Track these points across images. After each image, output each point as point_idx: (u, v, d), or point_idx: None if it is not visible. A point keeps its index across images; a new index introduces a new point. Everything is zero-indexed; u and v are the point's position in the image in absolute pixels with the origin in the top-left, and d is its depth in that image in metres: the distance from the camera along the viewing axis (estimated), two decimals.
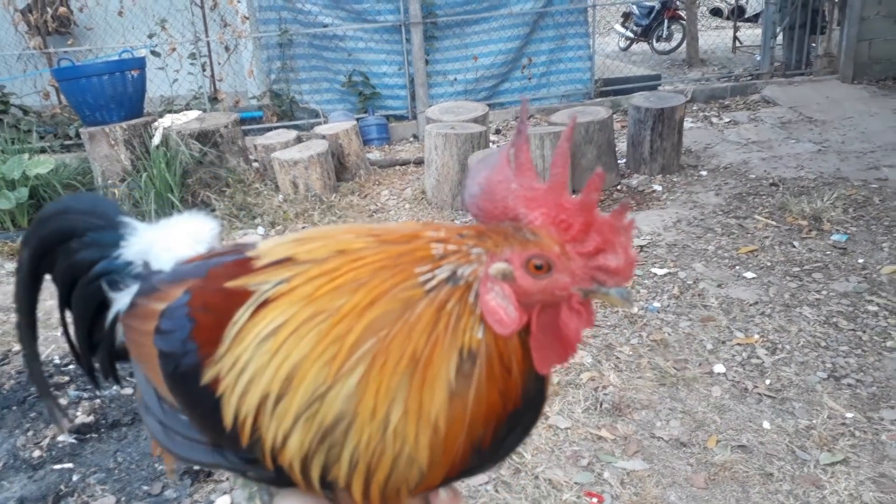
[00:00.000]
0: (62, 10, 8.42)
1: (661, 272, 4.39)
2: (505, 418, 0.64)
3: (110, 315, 0.92)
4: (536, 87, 8.63)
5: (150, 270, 0.88)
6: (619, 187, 5.91)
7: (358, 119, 7.56)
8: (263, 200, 5.91)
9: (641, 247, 4.77)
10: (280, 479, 0.66)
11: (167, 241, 0.91)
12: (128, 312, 0.84)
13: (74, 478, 2.97)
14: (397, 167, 6.94)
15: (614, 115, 6.23)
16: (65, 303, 0.96)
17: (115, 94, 5.95)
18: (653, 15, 13.20)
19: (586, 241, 0.61)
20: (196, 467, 2.84)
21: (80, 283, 0.93)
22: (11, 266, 5.39)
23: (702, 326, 3.79)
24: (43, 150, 6.83)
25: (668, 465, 2.86)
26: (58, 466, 3.03)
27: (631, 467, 2.85)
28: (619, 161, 6.17)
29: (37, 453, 3.12)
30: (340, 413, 0.60)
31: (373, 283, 0.62)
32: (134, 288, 0.88)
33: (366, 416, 0.60)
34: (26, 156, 6.03)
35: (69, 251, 0.94)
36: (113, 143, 5.89)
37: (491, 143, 6.32)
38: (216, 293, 0.70)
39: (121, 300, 0.90)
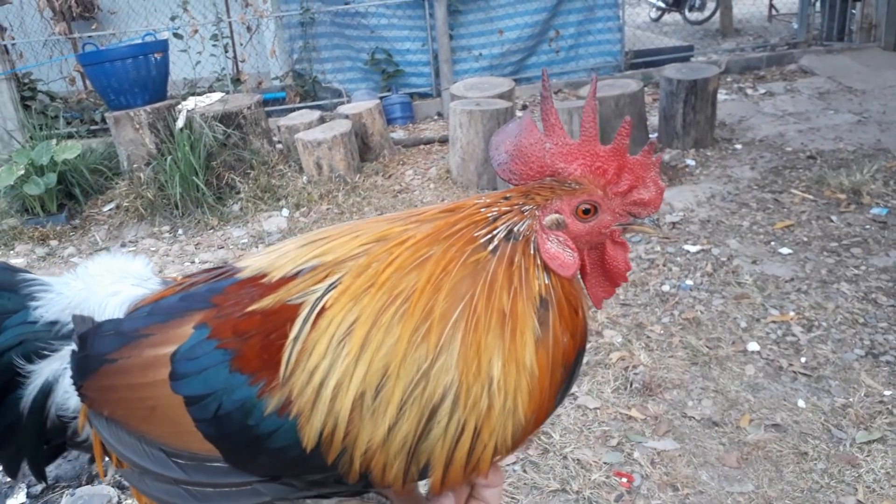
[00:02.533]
0: None
1: (693, 249, 4.26)
2: (573, 358, 0.69)
3: (31, 391, 0.79)
4: (564, 61, 8.44)
5: (95, 323, 0.77)
6: None
7: (381, 98, 7.48)
8: (287, 182, 5.89)
9: (674, 223, 4.64)
10: (357, 488, 0.67)
11: (108, 287, 0.81)
12: (101, 372, 0.72)
13: None
14: (422, 146, 6.85)
15: (645, 88, 6.06)
16: None
17: (138, 78, 5.94)
18: None
19: (621, 182, 0.68)
20: None
21: None
22: (42, 251, 5.45)
23: (735, 304, 3.67)
24: (70, 136, 6.88)
25: (699, 445, 2.79)
26: None
27: (661, 447, 2.79)
28: (650, 135, 6.01)
29: None
30: (448, 383, 0.63)
31: (436, 255, 0.64)
32: (66, 349, 0.78)
33: (471, 378, 0.62)
34: (54, 141, 6.07)
35: None
36: (138, 126, 5.89)
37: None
38: (247, 318, 0.67)
39: (48, 368, 0.79)
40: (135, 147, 5.95)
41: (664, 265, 4.11)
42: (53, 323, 0.80)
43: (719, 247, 4.27)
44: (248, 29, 8.33)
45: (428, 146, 6.83)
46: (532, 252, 0.66)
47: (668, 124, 6.02)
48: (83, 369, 0.74)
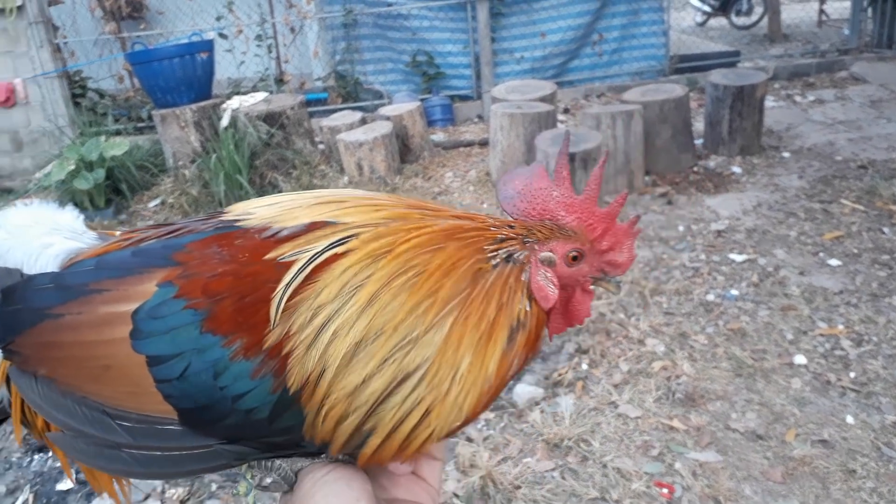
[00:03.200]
0: None
1: (739, 258, 4.18)
2: (513, 377, 0.76)
3: None
4: (607, 65, 8.36)
5: (24, 276, 0.73)
6: (695, 169, 5.66)
7: (422, 99, 7.49)
8: (329, 182, 5.94)
9: (719, 231, 4.55)
10: (311, 450, 0.70)
11: (38, 238, 0.76)
12: (41, 328, 0.69)
13: None
14: (461, 148, 6.85)
15: (690, 94, 5.96)
16: None
17: (184, 77, 6.06)
18: None
19: (603, 242, 0.77)
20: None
21: None
22: None
23: (782, 316, 3.58)
24: (118, 133, 7.03)
25: (743, 458, 2.73)
26: None
27: (704, 459, 2.73)
28: (695, 141, 5.91)
29: None
30: (425, 358, 0.67)
31: (450, 249, 0.70)
32: None
33: (444, 362, 0.68)
34: (102, 138, 6.22)
35: None
36: (183, 125, 6.00)
37: (559, 123, 6.15)
38: (218, 278, 0.66)
39: None
40: (180, 145, 6.06)
41: (709, 274, 4.04)
42: None
43: (766, 257, 4.18)
44: (292, 30, 8.43)
45: (468, 149, 6.83)
46: (523, 279, 0.74)
47: (714, 130, 5.92)
48: (12, 324, 0.70)
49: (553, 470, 2.75)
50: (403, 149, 6.34)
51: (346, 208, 0.73)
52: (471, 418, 0.72)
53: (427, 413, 0.68)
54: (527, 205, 0.77)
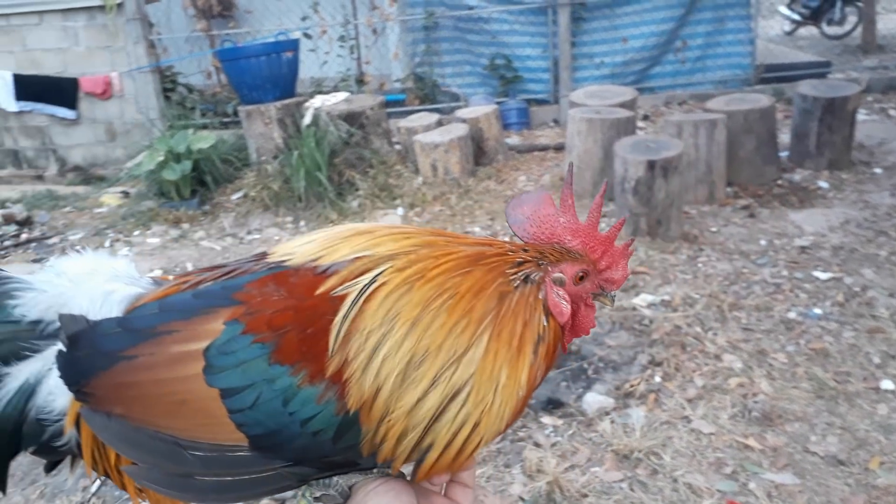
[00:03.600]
0: None
1: (824, 276, 4.03)
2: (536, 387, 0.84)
3: (5, 395, 0.78)
4: (690, 72, 8.17)
5: (90, 322, 0.77)
6: (779, 182, 5.47)
7: (498, 102, 7.50)
8: (404, 182, 6.01)
9: (803, 247, 4.40)
10: (367, 465, 0.76)
11: (101, 285, 0.80)
12: (115, 370, 0.74)
13: None
14: (536, 152, 6.83)
15: (777, 104, 5.77)
16: None
17: (270, 75, 6.25)
18: None
19: (602, 262, 0.86)
20: None
21: None
22: (175, 233, 5.82)
23: (868, 338, 3.44)
24: (204, 127, 7.30)
25: (822, 483, 2.64)
26: None
27: (780, 480, 2.65)
28: (780, 153, 5.72)
29: None
30: (470, 374, 0.74)
31: (477, 273, 0.78)
32: (51, 350, 0.78)
33: (486, 377, 0.75)
34: (190, 131, 6.48)
35: None
36: (267, 121, 6.19)
37: (638, 130, 6.06)
38: (280, 314, 0.73)
39: (27, 369, 0.78)
40: (264, 140, 6.26)
41: (791, 291, 3.91)
42: (36, 322, 0.79)
43: (852, 276, 4.01)
44: (374, 31, 8.57)
45: (542, 153, 6.80)
46: (540, 297, 0.81)
47: (801, 143, 5.72)
48: (84, 368, 0.74)
49: (621, 481, 2.72)
50: (478, 151, 6.36)
51: (377, 238, 0.80)
52: (510, 424, 0.79)
53: (477, 424, 0.75)
54: (536, 229, 0.86)
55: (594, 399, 3.16)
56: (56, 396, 0.79)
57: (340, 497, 0.79)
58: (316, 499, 0.79)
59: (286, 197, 5.91)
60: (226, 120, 7.88)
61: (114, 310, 0.79)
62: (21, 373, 0.78)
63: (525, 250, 0.83)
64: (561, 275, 0.83)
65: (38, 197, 7.32)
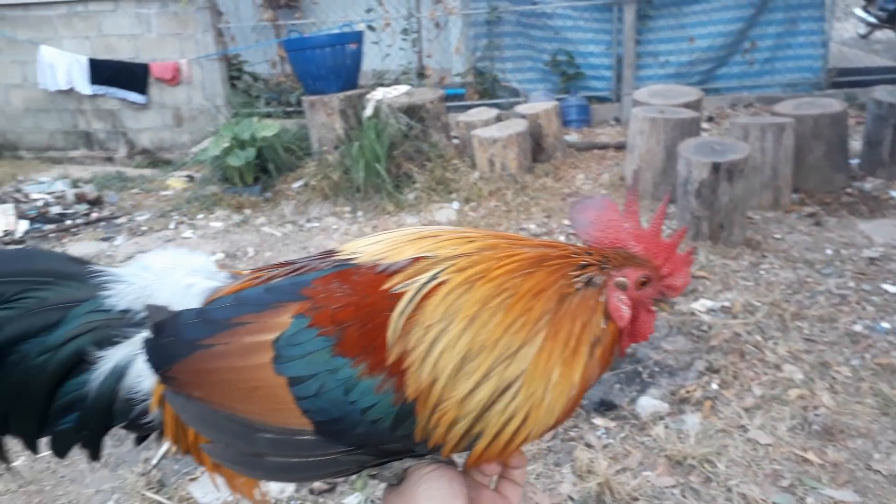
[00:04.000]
0: None
1: (893, 289, 3.89)
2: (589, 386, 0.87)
3: (99, 375, 0.85)
4: (758, 74, 7.95)
5: (172, 312, 0.83)
6: (848, 190, 5.30)
7: (558, 99, 7.45)
8: (460, 176, 6.03)
9: (872, 259, 4.26)
10: (420, 451, 0.81)
11: (181, 279, 0.87)
12: (195, 357, 0.79)
13: None
14: (595, 151, 6.76)
15: (848, 110, 5.58)
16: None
17: (334, 66, 6.33)
18: None
19: (664, 268, 0.87)
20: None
21: (28, 353, 0.84)
22: (238, 218, 5.97)
23: None
24: (268, 115, 7.46)
25: (884, 503, 2.55)
26: None
27: (840, 497, 2.59)
28: (850, 161, 5.54)
29: None
30: (522, 370, 0.77)
31: (540, 275, 0.81)
32: (138, 336, 0.84)
33: (538, 373, 0.78)
34: (255, 119, 6.62)
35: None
36: (330, 112, 6.28)
37: (702, 132, 5.94)
38: (342, 309, 0.78)
39: (118, 354, 0.84)
40: (325, 131, 6.35)
41: (857, 303, 3.79)
42: (125, 311, 0.86)
43: None
44: (437, 25, 8.60)
45: (602, 151, 6.73)
46: (602, 300, 0.84)
47: (873, 151, 5.52)
48: (167, 354, 0.81)
49: (673, 487, 2.69)
50: (536, 147, 6.34)
51: (441, 241, 0.84)
52: (560, 421, 0.83)
53: (526, 418, 0.79)
54: (600, 233, 0.88)
55: (648, 403, 3.13)
56: (143, 379, 0.86)
57: (395, 479, 0.84)
58: (371, 477, 0.85)
59: (345, 187, 6.00)
60: (289, 109, 8.03)
61: (193, 301, 0.86)
62: (113, 357, 0.85)
63: (589, 254, 0.86)
64: (624, 279, 0.86)
65: (108, 178, 7.61)
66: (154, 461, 3.02)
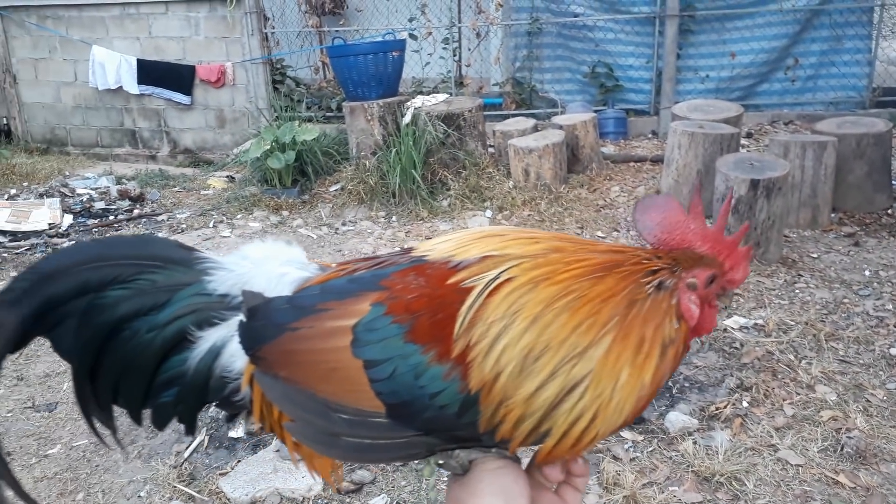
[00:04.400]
0: None
1: None
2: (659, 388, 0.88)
3: (198, 353, 0.91)
4: (800, 91, 7.87)
5: (266, 298, 0.89)
6: (889, 211, 5.22)
7: (596, 111, 7.45)
8: (494, 185, 6.07)
9: None
10: (487, 443, 0.84)
11: (276, 268, 0.93)
12: (283, 339, 0.85)
13: None
14: (631, 163, 6.75)
15: (893, 130, 5.49)
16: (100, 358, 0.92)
17: (376, 73, 6.43)
18: None
19: (727, 264, 0.90)
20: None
21: (139, 330, 0.91)
22: (275, 219, 6.09)
23: None
24: (309, 119, 7.59)
25: None
26: None
27: None
28: (893, 182, 5.45)
29: None
30: (589, 370, 0.79)
31: (609, 280, 0.83)
32: (234, 319, 0.90)
33: (605, 373, 0.80)
34: (296, 123, 6.75)
35: (117, 301, 0.90)
36: (369, 118, 6.38)
37: (741, 148, 5.89)
38: (416, 300, 0.83)
39: (216, 334, 0.91)
40: (364, 136, 6.45)
41: (895, 326, 3.73)
42: (224, 296, 0.92)
43: None
44: (478, 35, 8.67)
45: (638, 164, 6.71)
46: (673, 303, 0.86)
47: None
48: (259, 336, 0.86)
49: (700, 503, 2.68)
50: (572, 158, 6.35)
51: (507, 241, 0.88)
52: (629, 420, 0.84)
53: (594, 417, 0.81)
54: (666, 235, 0.90)
55: (677, 418, 3.12)
56: (236, 359, 0.92)
57: (461, 469, 0.88)
58: (439, 464, 0.90)
59: (381, 192, 6.08)
60: (329, 114, 8.16)
61: (286, 289, 0.92)
62: (210, 337, 0.92)
63: (658, 257, 0.88)
64: (695, 280, 0.88)
65: (151, 175, 7.81)
66: (186, 454, 3.10)
